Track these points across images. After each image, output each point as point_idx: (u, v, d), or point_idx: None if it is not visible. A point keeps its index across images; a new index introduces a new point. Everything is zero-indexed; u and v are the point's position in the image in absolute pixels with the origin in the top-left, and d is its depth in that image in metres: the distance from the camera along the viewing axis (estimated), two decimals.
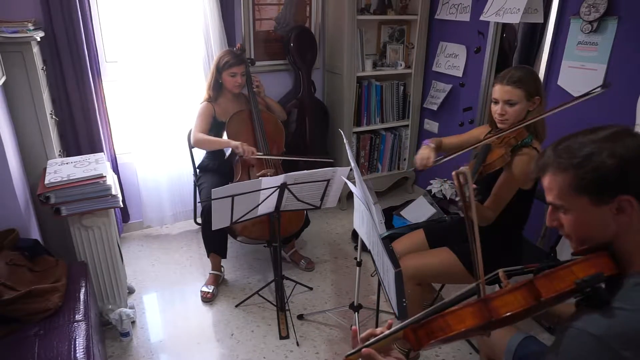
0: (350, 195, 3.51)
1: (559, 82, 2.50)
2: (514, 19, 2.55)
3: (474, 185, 1.57)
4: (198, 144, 2.61)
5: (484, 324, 0.95)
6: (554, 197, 0.96)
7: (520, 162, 1.72)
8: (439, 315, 0.99)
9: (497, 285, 1.22)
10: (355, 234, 3.08)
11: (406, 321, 1.03)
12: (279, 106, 2.89)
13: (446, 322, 0.98)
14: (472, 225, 1.06)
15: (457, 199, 1.57)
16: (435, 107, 3.40)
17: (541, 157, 0.99)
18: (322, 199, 2.25)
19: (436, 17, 3.29)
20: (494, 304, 0.95)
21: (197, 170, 2.88)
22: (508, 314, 0.93)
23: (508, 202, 1.75)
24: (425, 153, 1.90)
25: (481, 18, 2.77)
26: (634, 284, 0.88)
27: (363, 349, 1.03)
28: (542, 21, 2.54)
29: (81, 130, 2.72)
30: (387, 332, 1.05)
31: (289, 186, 2.08)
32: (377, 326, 1.91)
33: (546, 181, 0.97)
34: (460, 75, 3.18)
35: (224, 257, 2.64)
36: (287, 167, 2.71)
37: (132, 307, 2.31)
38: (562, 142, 0.96)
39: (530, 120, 1.73)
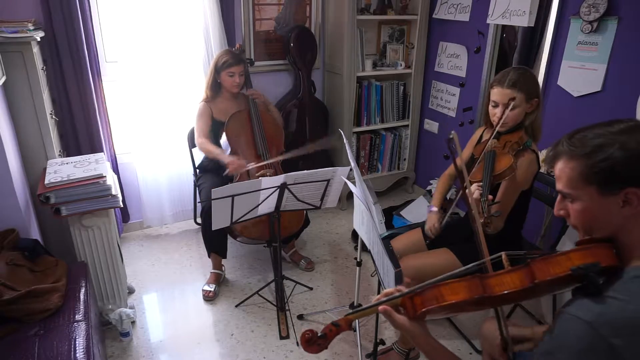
0: (350, 195, 3.51)
1: (559, 82, 2.50)
2: (523, 21, 2.53)
3: (491, 196, 1.60)
4: (199, 148, 2.70)
5: (476, 299, 0.98)
6: (563, 185, 0.97)
7: (522, 166, 1.72)
8: (434, 285, 1.03)
9: None
10: (355, 234, 3.08)
11: (406, 290, 1.08)
12: (277, 112, 2.91)
13: (440, 292, 1.02)
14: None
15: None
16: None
17: (555, 146, 1.00)
18: (322, 199, 2.25)
19: (434, 16, 3.28)
20: (490, 282, 0.99)
21: (197, 170, 2.88)
22: (502, 292, 0.97)
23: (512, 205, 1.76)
24: (431, 220, 1.96)
25: (488, 21, 2.76)
26: (633, 276, 0.89)
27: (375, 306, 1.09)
28: (532, 25, 2.52)
29: (81, 130, 2.72)
30: (383, 299, 1.10)
31: (288, 186, 2.08)
32: (377, 326, 1.91)
33: (557, 169, 0.99)
34: (464, 75, 3.18)
35: (224, 257, 2.64)
36: (287, 167, 2.71)
37: (132, 307, 2.31)
38: (578, 133, 0.96)
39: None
